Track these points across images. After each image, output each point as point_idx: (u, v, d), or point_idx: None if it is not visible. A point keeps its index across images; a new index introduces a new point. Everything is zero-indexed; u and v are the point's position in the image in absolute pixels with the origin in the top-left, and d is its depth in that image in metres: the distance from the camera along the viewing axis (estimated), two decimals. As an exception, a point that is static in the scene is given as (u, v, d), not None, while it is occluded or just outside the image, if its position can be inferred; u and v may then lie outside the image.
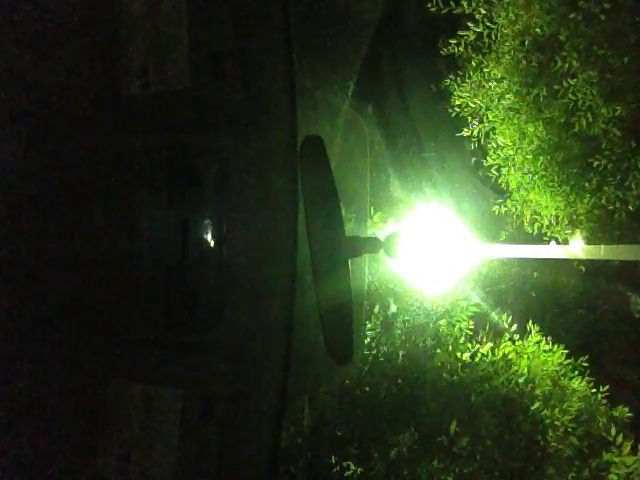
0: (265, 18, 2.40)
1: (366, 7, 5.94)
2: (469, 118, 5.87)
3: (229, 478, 2.40)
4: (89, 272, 2.37)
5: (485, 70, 5.47)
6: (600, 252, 4.56)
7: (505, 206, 5.81)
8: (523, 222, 5.78)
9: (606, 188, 4.99)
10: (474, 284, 6.19)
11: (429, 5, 5.49)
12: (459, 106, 5.82)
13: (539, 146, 5.26)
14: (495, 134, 5.63)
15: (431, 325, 5.39)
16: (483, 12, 5.22)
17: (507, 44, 5.18)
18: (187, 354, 2.43)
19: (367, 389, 5.06)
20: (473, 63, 5.56)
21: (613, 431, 4.70)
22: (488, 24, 5.27)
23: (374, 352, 5.27)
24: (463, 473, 4.56)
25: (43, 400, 2.29)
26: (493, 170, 5.81)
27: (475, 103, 5.68)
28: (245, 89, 2.33)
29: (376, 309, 5.32)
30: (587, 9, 4.56)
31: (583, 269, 5.80)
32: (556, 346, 5.30)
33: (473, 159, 7.20)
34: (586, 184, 5.10)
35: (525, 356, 5.16)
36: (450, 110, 5.96)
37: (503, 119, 5.45)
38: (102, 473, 2.40)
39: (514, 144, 5.47)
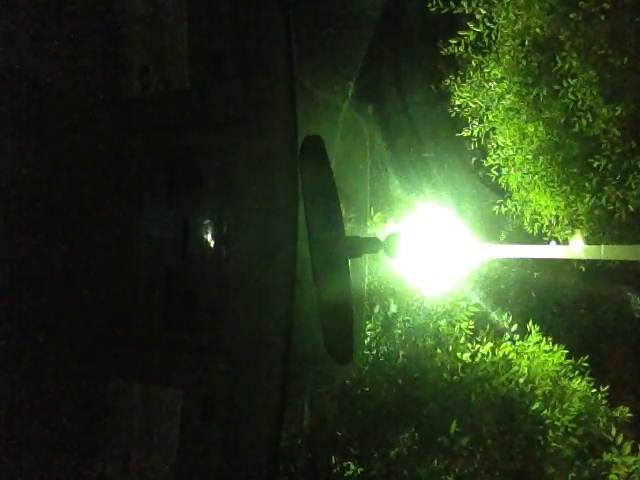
0: (265, 18, 2.40)
1: (366, 7, 5.94)
2: (469, 118, 5.87)
3: (229, 478, 2.40)
4: (88, 272, 2.37)
5: (485, 70, 5.48)
6: (600, 252, 4.55)
7: (505, 206, 5.82)
8: (523, 222, 5.78)
9: (606, 188, 5.00)
10: (474, 284, 6.18)
11: (429, 5, 5.49)
12: (459, 106, 5.83)
13: (539, 146, 5.27)
14: (495, 134, 5.64)
15: (431, 325, 5.38)
16: (483, 12, 5.23)
17: (507, 44, 5.19)
18: (187, 354, 2.43)
19: (367, 389, 5.05)
20: (473, 63, 5.57)
21: (613, 431, 4.70)
22: (488, 24, 5.28)
23: (374, 352, 5.27)
24: (463, 473, 4.56)
25: (42, 400, 2.29)
26: (493, 170, 5.81)
27: (475, 103, 5.68)
28: (245, 89, 2.33)
29: (376, 309, 5.32)
30: (587, 9, 4.57)
31: (583, 269, 5.81)
32: (556, 346, 5.31)
33: (473, 159, 7.19)
34: (586, 184, 5.11)
35: (525, 356, 5.16)
36: (450, 110, 5.96)
37: (503, 119, 5.45)
38: (102, 473, 2.40)
39: (514, 144, 5.48)
